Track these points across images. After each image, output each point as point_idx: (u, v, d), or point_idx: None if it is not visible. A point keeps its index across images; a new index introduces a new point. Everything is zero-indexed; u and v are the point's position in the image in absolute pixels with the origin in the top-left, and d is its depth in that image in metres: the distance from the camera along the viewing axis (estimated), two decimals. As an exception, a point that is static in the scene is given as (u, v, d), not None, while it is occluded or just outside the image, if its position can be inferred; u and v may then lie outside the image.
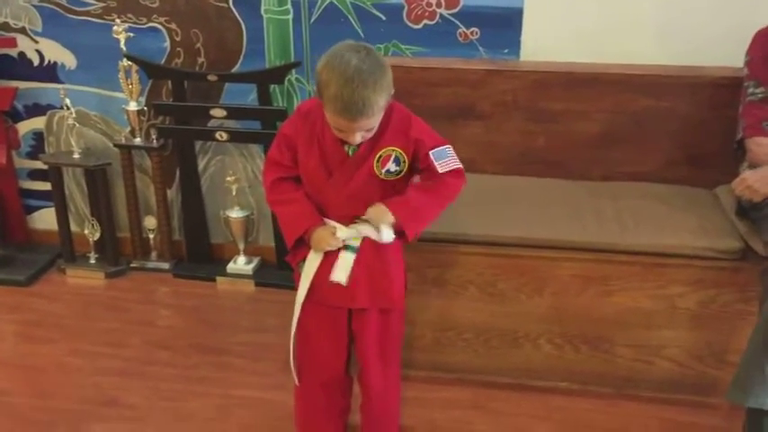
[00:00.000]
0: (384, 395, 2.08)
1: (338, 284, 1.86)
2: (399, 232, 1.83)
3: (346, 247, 1.86)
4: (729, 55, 2.41)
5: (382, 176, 1.82)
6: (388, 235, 1.81)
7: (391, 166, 1.81)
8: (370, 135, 1.76)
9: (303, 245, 1.89)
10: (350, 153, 1.81)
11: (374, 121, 1.71)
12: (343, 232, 1.84)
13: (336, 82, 1.63)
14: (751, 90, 2.19)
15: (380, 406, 2.09)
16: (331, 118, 1.71)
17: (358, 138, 1.73)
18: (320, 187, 1.85)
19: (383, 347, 1.99)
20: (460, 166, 1.88)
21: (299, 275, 1.93)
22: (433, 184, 1.85)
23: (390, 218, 1.81)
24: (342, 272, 1.86)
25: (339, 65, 1.64)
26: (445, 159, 1.85)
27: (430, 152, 1.83)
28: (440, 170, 1.83)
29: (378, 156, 1.80)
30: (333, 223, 1.85)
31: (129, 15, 2.90)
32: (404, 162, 1.82)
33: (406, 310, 2.03)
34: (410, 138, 1.81)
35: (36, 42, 3.01)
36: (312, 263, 1.87)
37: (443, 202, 1.89)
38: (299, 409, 2.14)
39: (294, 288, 1.95)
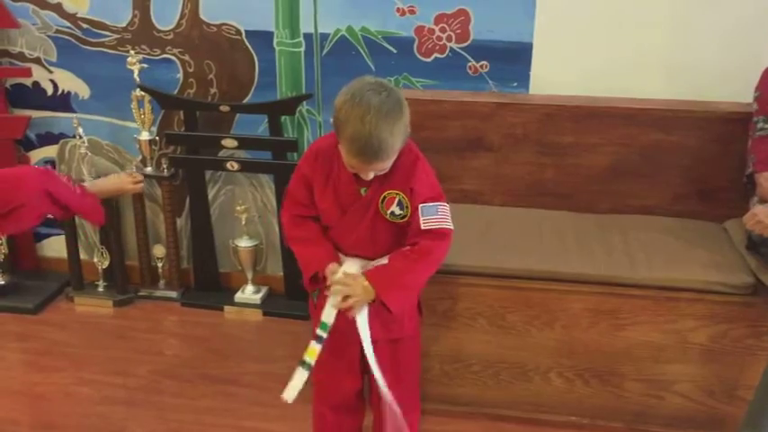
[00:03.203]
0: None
1: (351, 318, 1.85)
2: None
3: (302, 364, 1.82)
4: (737, 92, 2.43)
5: (388, 218, 1.81)
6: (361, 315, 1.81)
7: (395, 209, 1.80)
8: (383, 172, 1.76)
9: (319, 281, 1.88)
10: (362, 193, 1.81)
11: (389, 162, 1.72)
12: (349, 267, 1.83)
13: (354, 124, 1.62)
14: (760, 125, 2.20)
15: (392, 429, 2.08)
16: (346, 156, 1.71)
17: (371, 175, 1.74)
18: (334, 225, 1.86)
19: (396, 375, 1.97)
20: (448, 226, 1.80)
21: (314, 304, 1.93)
22: (417, 250, 1.78)
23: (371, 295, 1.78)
24: (293, 390, 1.81)
25: (359, 105, 1.62)
26: (432, 216, 1.78)
27: (420, 205, 1.78)
28: (422, 226, 1.77)
29: (382, 197, 1.79)
30: (345, 264, 1.84)
31: (144, 47, 2.94)
32: (407, 207, 1.79)
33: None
34: (408, 185, 1.78)
35: (50, 72, 3.05)
36: (330, 311, 1.84)
37: (428, 269, 1.82)
38: (313, 429, 2.15)
39: (304, 318, 1.94)
